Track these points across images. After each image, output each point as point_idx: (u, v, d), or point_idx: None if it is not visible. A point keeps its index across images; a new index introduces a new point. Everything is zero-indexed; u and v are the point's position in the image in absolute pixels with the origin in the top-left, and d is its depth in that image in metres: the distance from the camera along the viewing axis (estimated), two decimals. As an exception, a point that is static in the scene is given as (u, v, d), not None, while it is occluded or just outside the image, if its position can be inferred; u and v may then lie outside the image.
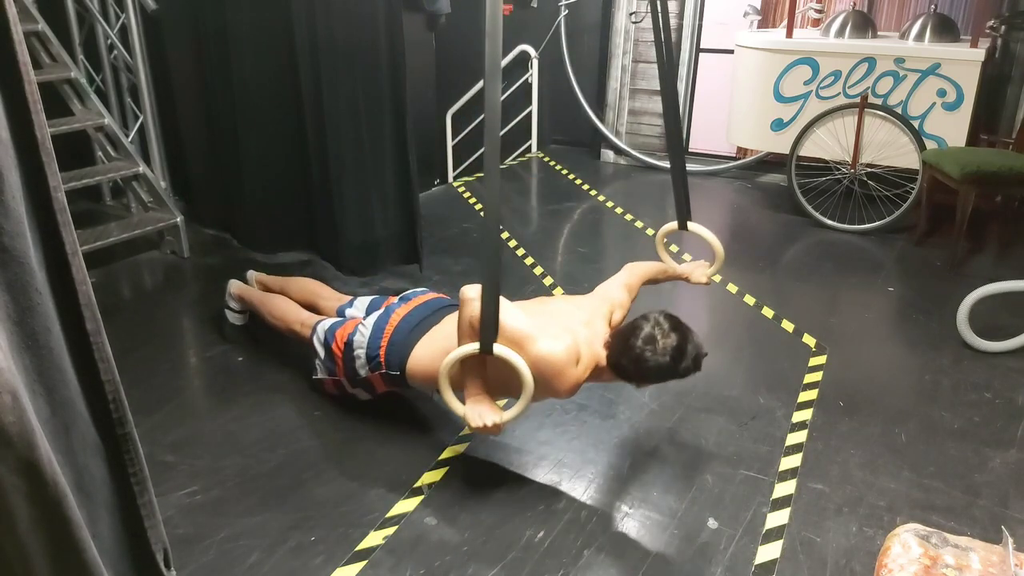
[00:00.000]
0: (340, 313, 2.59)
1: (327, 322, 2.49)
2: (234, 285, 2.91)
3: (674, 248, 3.99)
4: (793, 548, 1.98)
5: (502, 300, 1.94)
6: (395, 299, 2.51)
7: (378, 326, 2.34)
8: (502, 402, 2.08)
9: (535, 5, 5.58)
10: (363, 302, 2.60)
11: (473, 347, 1.92)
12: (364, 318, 2.44)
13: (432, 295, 2.50)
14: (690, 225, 2.56)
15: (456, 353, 1.95)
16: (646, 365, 1.92)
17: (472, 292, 1.95)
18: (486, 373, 2.02)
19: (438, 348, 2.17)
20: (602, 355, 2.04)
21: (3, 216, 0.86)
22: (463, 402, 2.02)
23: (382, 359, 2.29)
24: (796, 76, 4.36)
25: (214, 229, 4.01)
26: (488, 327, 1.89)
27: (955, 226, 3.69)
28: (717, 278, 2.95)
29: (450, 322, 2.25)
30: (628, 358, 1.95)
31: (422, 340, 2.27)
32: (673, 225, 2.60)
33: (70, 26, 3.78)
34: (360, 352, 2.33)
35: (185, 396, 2.65)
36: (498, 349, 1.91)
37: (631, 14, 3.16)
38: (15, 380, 0.83)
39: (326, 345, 2.44)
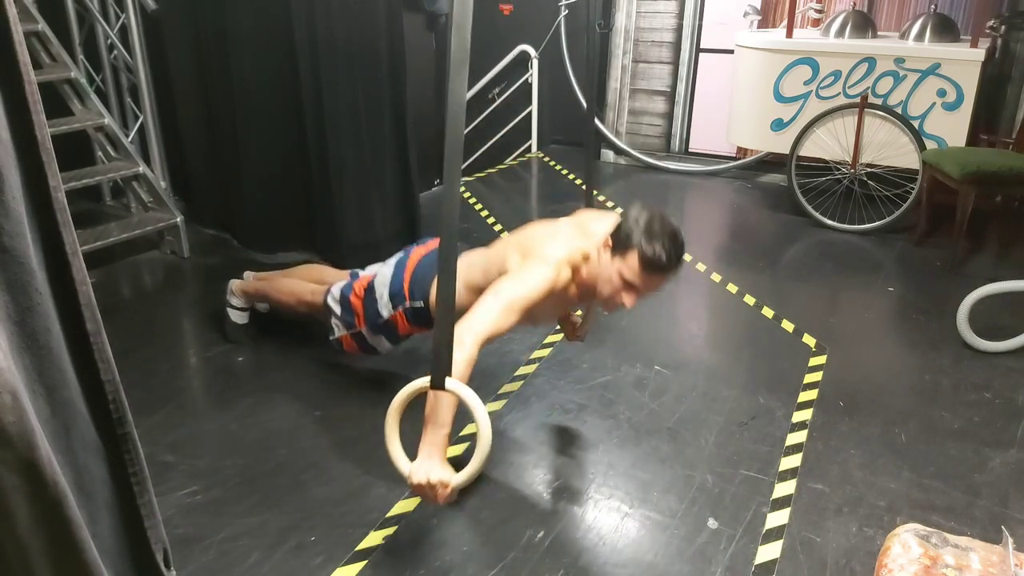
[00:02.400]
0: (352, 276, 2.65)
1: (340, 283, 2.56)
2: (235, 283, 2.92)
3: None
4: (793, 548, 1.98)
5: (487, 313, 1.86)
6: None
7: (399, 263, 2.41)
8: (458, 465, 1.78)
9: None
10: (372, 267, 2.64)
11: (423, 383, 1.67)
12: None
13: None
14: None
15: (404, 391, 1.72)
16: (653, 231, 1.92)
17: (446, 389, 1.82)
18: (449, 417, 1.75)
19: (460, 277, 2.10)
20: (592, 248, 2.04)
21: (3, 216, 0.86)
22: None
23: (406, 291, 2.34)
24: (796, 76, 4.36)
25: (214, 229, 4.01)
26: (442, 358, 1.63)
27: (955, 226, 3.69)
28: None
29: (465, 256, 2.27)
30: (635, 228, 1.94)
31: None
32: None
33: (70, 26, 3.79)
34: (383, 291, 2.39)
35: (185, 396, 2.65)
36: (451, 384, 1.65)
37: (596, 23, 3.14)
38: (15, 380, 0.83)
39: (343, 300, 2.49)
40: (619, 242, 1.97)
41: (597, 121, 5.58)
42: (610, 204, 4.71)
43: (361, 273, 2.63)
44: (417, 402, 1.75)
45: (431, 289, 2.28)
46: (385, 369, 2.79)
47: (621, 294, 1.98)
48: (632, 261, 1.93)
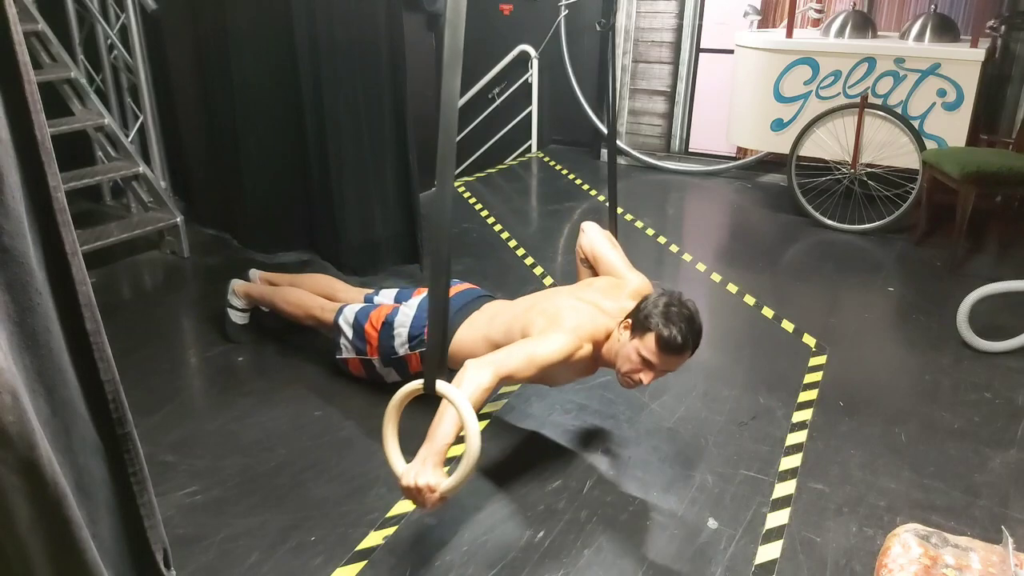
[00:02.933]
0: (367, 300, 2.67)
1: (355, 306, 2.57)
2: (237, 284, 2.91)
3: (674, 248, 4.00)
4: (793, 548, 1.98)
5: (513, 354, 1.96)
6: (426, 289, 2.55)
7: (422, 307, 2.43)
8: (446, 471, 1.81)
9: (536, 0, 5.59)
10: (389, 292, 2.70)
11: (417, 384, 1.72)
12: (399, 304, 2.53)
13: (467, 285, 2.57)
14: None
15: (401, 392, 1.76)
16: (671, 315, 1.98)
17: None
18: (453, 428, 1.75)
19: (480, 331, 2.30)
20: (612, 326, 2.12)
21: (3, 216, 0.86)
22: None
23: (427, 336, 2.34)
24: (796, 76, 4.36)
25: (214, 229, 4.01)
26: (432, 361, 1.68)
27: (955, 226, 3.69)
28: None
29: (490, 308, 2.39)
30: (654, 311, 2.00)
31: (465, 322, 2.35)
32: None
33: (70, 26, 3.79)
34: (402, 331, 2.41)
35: (185, 396, 2.65)
36: (442, 388, 1.70)
37: (598, 22, 3.15)
38: (15, 380, 0.83)
39: (356, 326, 2.51)
40: (638, 322, 2.03)
41: (596, 120, 5.58)
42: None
43: (376, 299, 2.65)
44: (417, 409, 1.76)
45: (452, 340, 2.31)
46: (385, 369, 2.78)
47: (639, 372, 2.04)
48: (649, 342, 1.99)
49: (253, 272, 2.99)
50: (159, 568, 1.19)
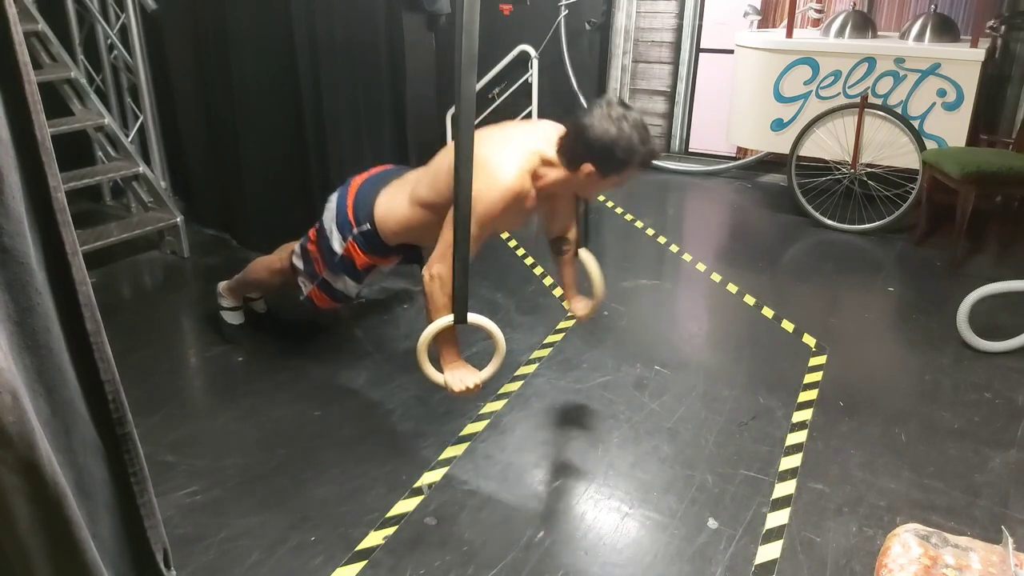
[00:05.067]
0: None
1: (301, 239, 2.62)
2: (221, 285, 2.94)
3: (674, 248, 4.00)
4: (793, 548, 1.98)
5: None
6: None
7: (341, 196, 2.44)
8: (478, 365, 2.13)
9: (529, 2, 5.58)
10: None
11: (448, 320, 1.99)
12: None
13: (388, 166, 2.58)
14: (581, 253, 2.49)
15: (431, 328, 2.00)
16: (634, 139, 1.93)
17: (436, 271, 2.02)
18: (457, 340, 2.10)
19: (401, 193, 2.30)
20: (549, 152, 2.05)
21: (3, 216, 0.86)
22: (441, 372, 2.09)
23: (351, 218, 2.37)
24: (796, 76, 4.36)
25: (214, 229, 4.01)
26: (461, 299, 1.95)
27: (955, 226, 3.69)
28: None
29: (412, 174, 2.37)
30: (615, 146, 1.93)
31: (383, 191, 2.36)
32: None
33: (70, 26, 3.78)
34: (331, 225, 2.43)
35: (185, 396, 2.65)
36: (473, 319, 1.98)
37: (586, 20, 3.15)
38: (15, 380, 0.83)
39: (302, 251, 2.55)
40: (605, 162, 1.97)
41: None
42: (610, 204, 4.72)
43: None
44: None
45: (374, 208, 2.33)
46: (385, 370, 2.79)
47: (592, 192, 2.10)
48: (631, 172, 2.00)
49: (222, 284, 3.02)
50: (159, 568, 1.19)
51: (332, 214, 2.44)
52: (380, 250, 2.41)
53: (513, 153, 2.04)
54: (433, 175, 2.21)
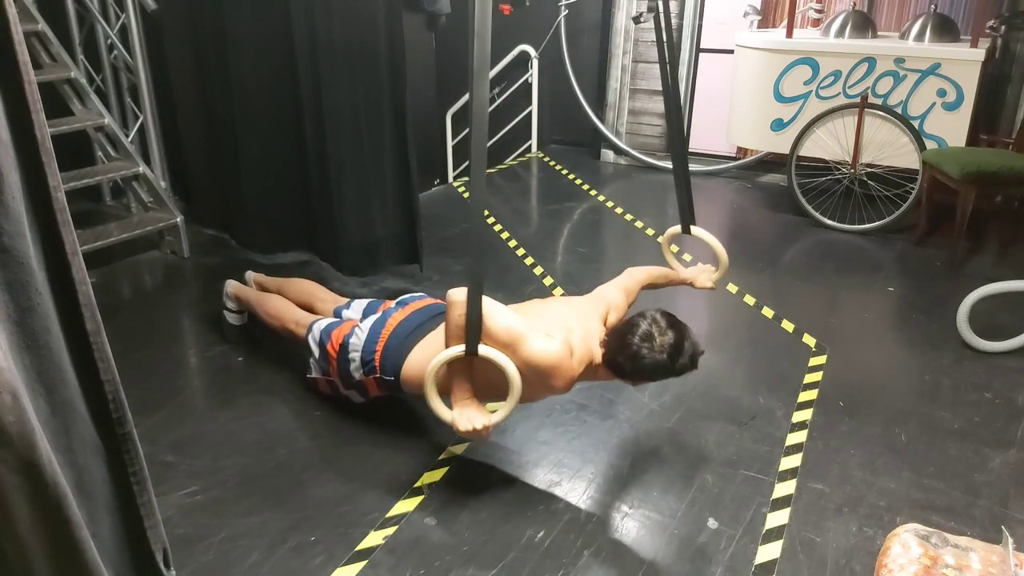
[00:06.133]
0: (336, 314, 2.57)
1: (323, 322, 2.48)
2: (231, 285, 2.90)
3: (674, 248, 3.99)
4: (793, 548, 1.98)
5: (492, 301, 1.94)
6: (392, 303, 2.48)
7: (374, 331, 2.31)
8: (490, 406, 2.06)
9: (528, 3, 5.58)
10: (360, 304, 2.57)
11: (459, 349, 1.92)
12: (361, 320, 2.41)
13: (429, 300, 2.47)
14: (693, 229, 2.55)
15: (442, 356, 1.94)
16: (643, 362, 1.92)
17: (459, 295, 1.93)
18: (473, 376, 2.01)
19: (433, 354, 2.09)
20: (597, 353, 2.04)
21: (3, 216, 0.86)
22: (450, 407, 2.00)
23: (377, 364, 2.27)
24: (796, 76, 4.36)
25: (213, 229, 4.01)
26: (472, 328, 1.89)
27: (955, 226, 3.69)
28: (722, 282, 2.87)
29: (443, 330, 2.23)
30: (625, 355, 1.94)
31: (417, 346, 2.24)
32: (677, 229, 2.59)
33: (70, 26, 3.78)
34: (355, 355, 2.31)
35: (185, 396, 2.65)
36: (483, 350, 1.90)
37: (635, 17, 3.16)
38: (15, 380, 0.83)
39: (321, 345, 2.42)
40: (626, 373, 1.99)
41: (596, 120, 5.58)
42: (610, 204, 4.72)
43: (345, 313, 2.55)
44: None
45: (403, 366, 2.23)
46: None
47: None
48: (639, 379, 2.02)
49: (248, 274, 2.98)
50: (159, 568, 1.19)
51: (360, 343, 2.31)
52: (397, 392, 2.34)
53: (584, 339, 2.04)
54: (469, 368, 2.02)
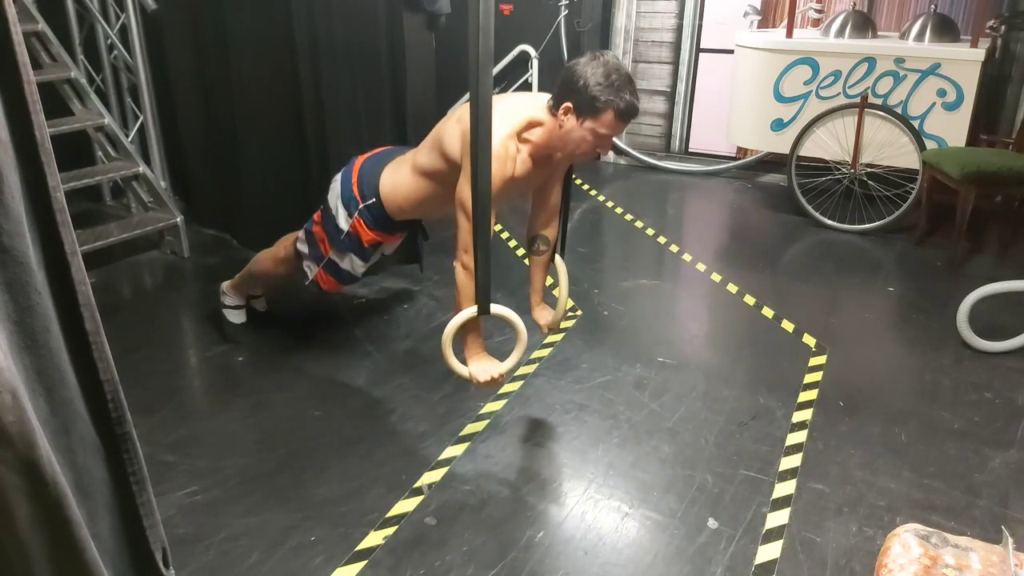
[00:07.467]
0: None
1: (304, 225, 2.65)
2: (225, 284, 2.94)
3: (674, 248, 3.99)
4: (793, 548, 1.98)
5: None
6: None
7: (345, 173, 2.48)
8: (501, 355, 2.23)
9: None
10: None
11: (472, 311, 2.06)
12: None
13: (391, 147, 2.63)
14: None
15: (457, 318, 2.08)
16: (615, 84, 1.96)
17: (468, 261, 2.05)
18: (482, 332, 2.19)
19: (404, 165, 2.36)
20: (540, 115, 2.09)
21: (2, 216, 0.86)
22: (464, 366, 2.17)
23: (356, 193, 2.41)
24: (796, 76, 4.36)
25: (214, 229, 4.01)
26: (483, 290, 2.01)
27: (955, 226, 3.69)
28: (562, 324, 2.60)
29: (413, 152, 2.39)
30: (596, 88, 1.97)
31: (388, 165, 2.41)
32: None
33: (70, 26, 3.79)
34: (336, 203, 2.45)
35: (185, 396, 2.65)
36: (496, 309, 2.05)
37: (575, 21, 3.15)
38: (15, 380, 0.83)
39: (308, 235, 2.57)
40: (584, 104, 2.00)
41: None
42: (610, 204, 4.72)
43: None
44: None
45: (379, 182, 2.37)
46: (385, 370, 2.79)
47: (596, 148, 2.09)
48: (607, 119, 2.00)
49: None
50: (159, 568, 1.19)
51: (337, 192, 2.47)
52: (386, 226, 2.45)
53: (496, 119, 2.01)
54: (432, 142, 2.26)
